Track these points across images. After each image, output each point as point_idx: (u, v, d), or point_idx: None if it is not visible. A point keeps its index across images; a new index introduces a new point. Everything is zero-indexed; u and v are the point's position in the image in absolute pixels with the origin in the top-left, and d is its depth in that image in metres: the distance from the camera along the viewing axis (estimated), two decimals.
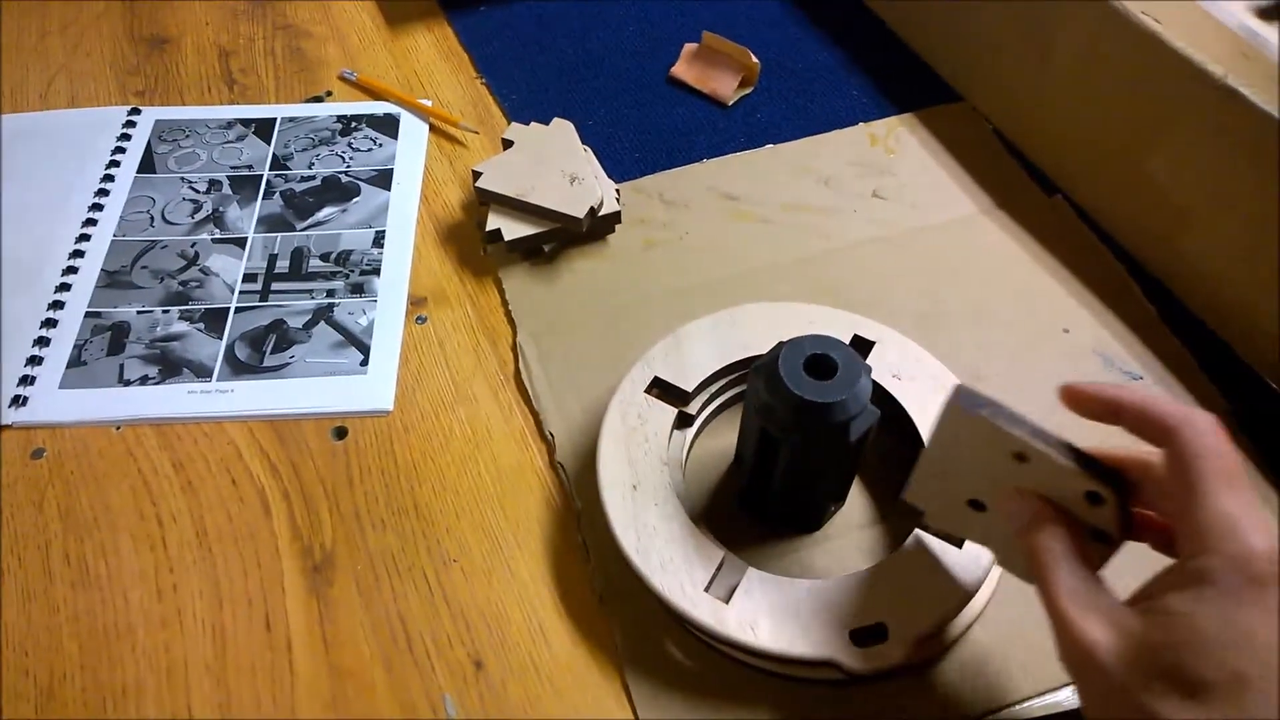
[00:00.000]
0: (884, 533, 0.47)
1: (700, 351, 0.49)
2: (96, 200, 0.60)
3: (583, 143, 0.60)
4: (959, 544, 0.43)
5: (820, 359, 0.39)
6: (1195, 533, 0.30)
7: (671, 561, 0.42)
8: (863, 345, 0.49)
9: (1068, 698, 0.42)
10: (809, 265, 0.57)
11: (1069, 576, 0.32)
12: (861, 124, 0.65)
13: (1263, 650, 0.27)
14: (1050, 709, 0.42)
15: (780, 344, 0.40)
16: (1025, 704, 0.42)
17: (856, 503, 0.48)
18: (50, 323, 0.54)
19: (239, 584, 0.46)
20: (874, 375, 0.48)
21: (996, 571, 0.45)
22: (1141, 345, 0.53)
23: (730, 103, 0.66)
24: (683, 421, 0.48)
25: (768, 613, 0.41)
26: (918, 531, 0.43)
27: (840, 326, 0.50)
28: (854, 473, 0.46)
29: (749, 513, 0.47)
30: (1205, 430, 0.31)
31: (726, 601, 0.41)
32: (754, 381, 0.41)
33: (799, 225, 0.59)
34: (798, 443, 0.40)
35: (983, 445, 0.35)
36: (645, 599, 0.43)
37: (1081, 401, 0.35)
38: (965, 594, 0.42)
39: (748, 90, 0.67)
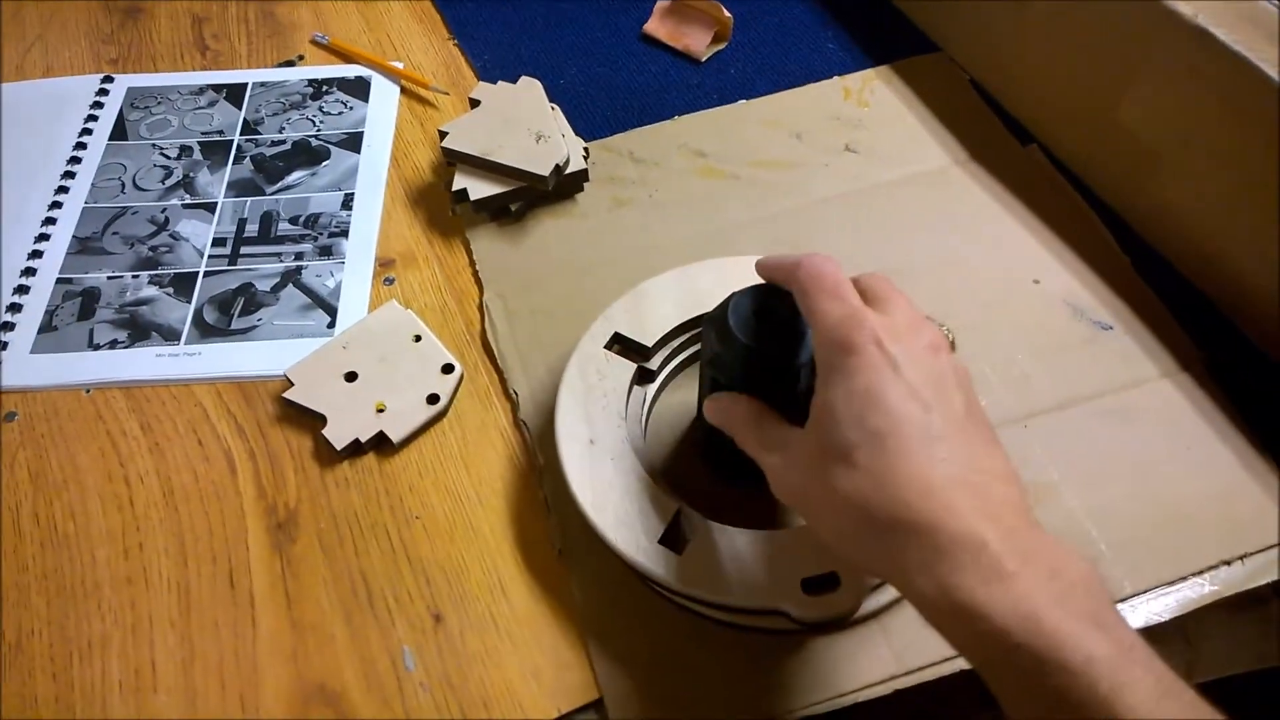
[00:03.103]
0: None
1: (661, 307, 0.49)
2: (69, 168, 0.60)
3: (553, 101, 0.59)
4: None
5: (770, 308, 0.39)
6: (814, 340, 0.34)
7: (627, 515, 0.42)
8: None
9: None
10: (778, 221, 0.57)
11: (755, 431, 0.37)
12: (836, 77, 0.64)
13: (885, 405, 0.31)
14: None
15: (731, 294, 0.40)
16: None
17: None
18: (23, 289, 0.54)
19: (204, 542, 0.46)
20: None
21: None
22: (1113, 294, 0.52)
23: (703, 59, 0.65)
24: (643, 377, 0.48)
25: (720, 564, 0.41)
26: None
27: None
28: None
29: (709, 466, 0.47)
30: (815, 265, 0.35)
31: (680, 554, 0.41)
32: (706, 332, 0.41)
33: (769, 181, 0.58)
34: (748, 393, 0.39)
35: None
36: (603, 553, 0.43)
37: (762, 271, 0.39)
38: None
39: (721, 46, 0.66)
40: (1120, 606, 0.43)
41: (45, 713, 0.42)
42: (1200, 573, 0.44)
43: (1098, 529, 0.45)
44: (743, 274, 0.50)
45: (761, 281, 0.40)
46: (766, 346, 0.38)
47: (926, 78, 0.63)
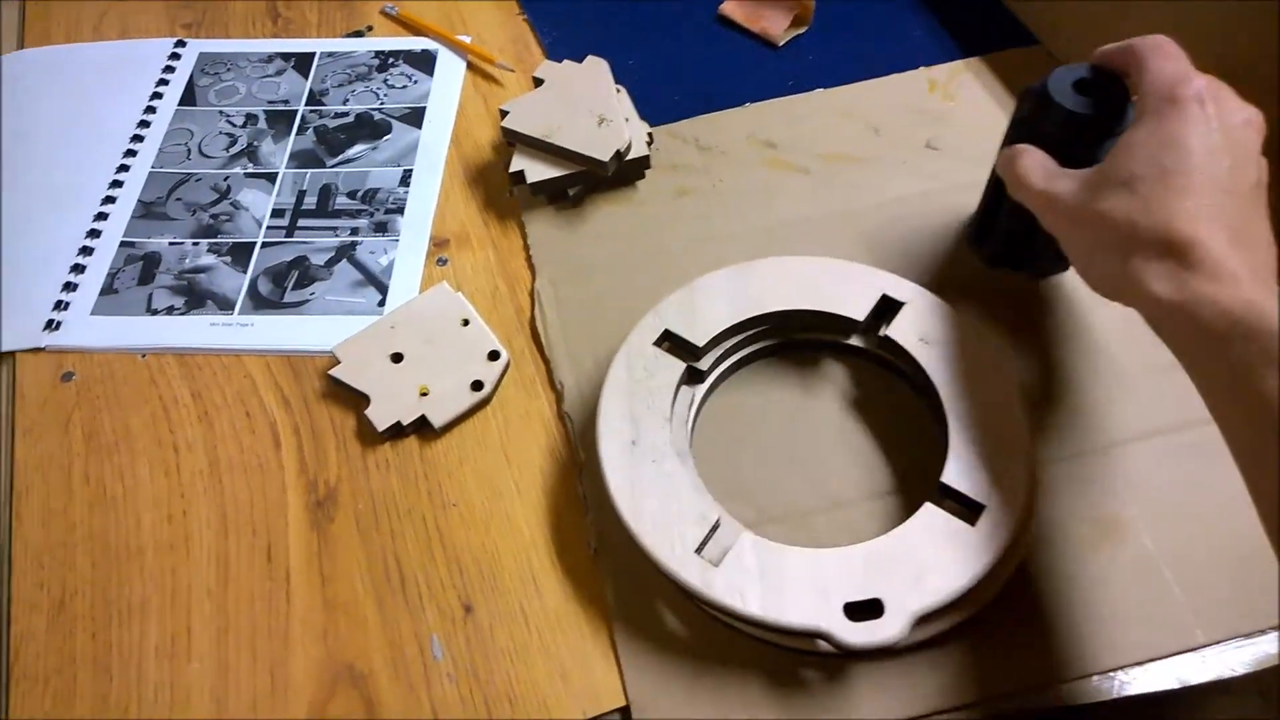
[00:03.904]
0: (900, 505, 0.44)
1: (715, 305, 0.47)
2: (138, 131, 0.61)
3: (619, 83, 0.57)
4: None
5: (1093, 84, 0.41)
6: (1140, 93, 0.37)
7: (664, 521, 0.41)
8: (891, 306, 0.46)
9: (1077, 689, 0.39)
10: (848, 218, 0.54)
11: (1042, 171, 0.40)
12: (922, 68, 0.61)
13: (1184, 151, 0.34)
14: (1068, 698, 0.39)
15: (1054, 69, 0.42)
16: (1030, 694, 0.39)
17: (874, 470, 0.45)
18: (87, 250, 0.55)
19: (245, 514, 0.46)
20: (900, 340, 0.45)
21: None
22: None
23: (781, 43, 0.62)
24: (693, 377, 0.47)
25: (759, 579, 0.39)
26: (929, 505, 0.41)
27: (867, 284, 0.47)
28: None
29: (975, 251, 0.52)
30: (1157, 39, 0.38)
31: (717, 565, 0.40)
32: (1022, 101, 0.44)
33: (840, 176, 0.56)
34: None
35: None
36: (639, 556, 0.41)
37: (1100, 58, 0.41)
38: (974, 574, 0.39)
39: (800, 30, 0.63)
40: (1191, 657, 0.40)
41: (83, 673, 0.42)
42: None
43: (1172, 570, 0.42)
44: (802, 273, 0.48)
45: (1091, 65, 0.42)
46: (1091, 112, 0.40)
47: (1020, 72, 0.59)
